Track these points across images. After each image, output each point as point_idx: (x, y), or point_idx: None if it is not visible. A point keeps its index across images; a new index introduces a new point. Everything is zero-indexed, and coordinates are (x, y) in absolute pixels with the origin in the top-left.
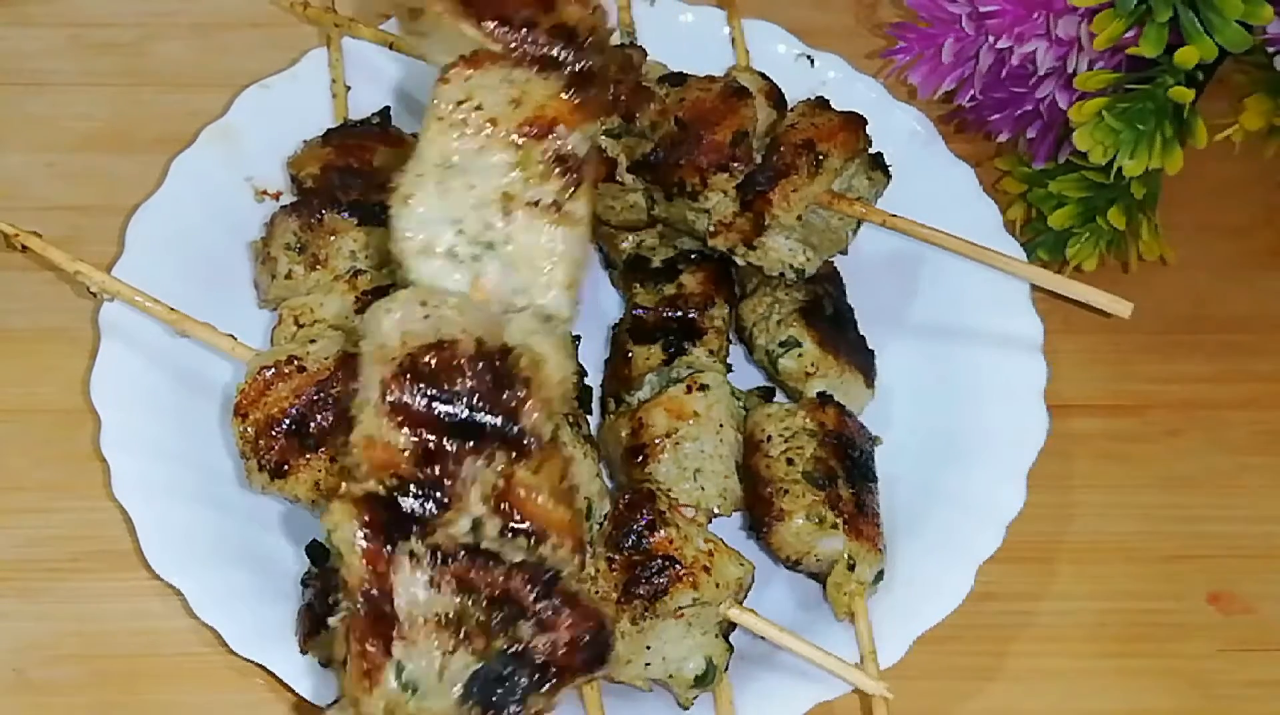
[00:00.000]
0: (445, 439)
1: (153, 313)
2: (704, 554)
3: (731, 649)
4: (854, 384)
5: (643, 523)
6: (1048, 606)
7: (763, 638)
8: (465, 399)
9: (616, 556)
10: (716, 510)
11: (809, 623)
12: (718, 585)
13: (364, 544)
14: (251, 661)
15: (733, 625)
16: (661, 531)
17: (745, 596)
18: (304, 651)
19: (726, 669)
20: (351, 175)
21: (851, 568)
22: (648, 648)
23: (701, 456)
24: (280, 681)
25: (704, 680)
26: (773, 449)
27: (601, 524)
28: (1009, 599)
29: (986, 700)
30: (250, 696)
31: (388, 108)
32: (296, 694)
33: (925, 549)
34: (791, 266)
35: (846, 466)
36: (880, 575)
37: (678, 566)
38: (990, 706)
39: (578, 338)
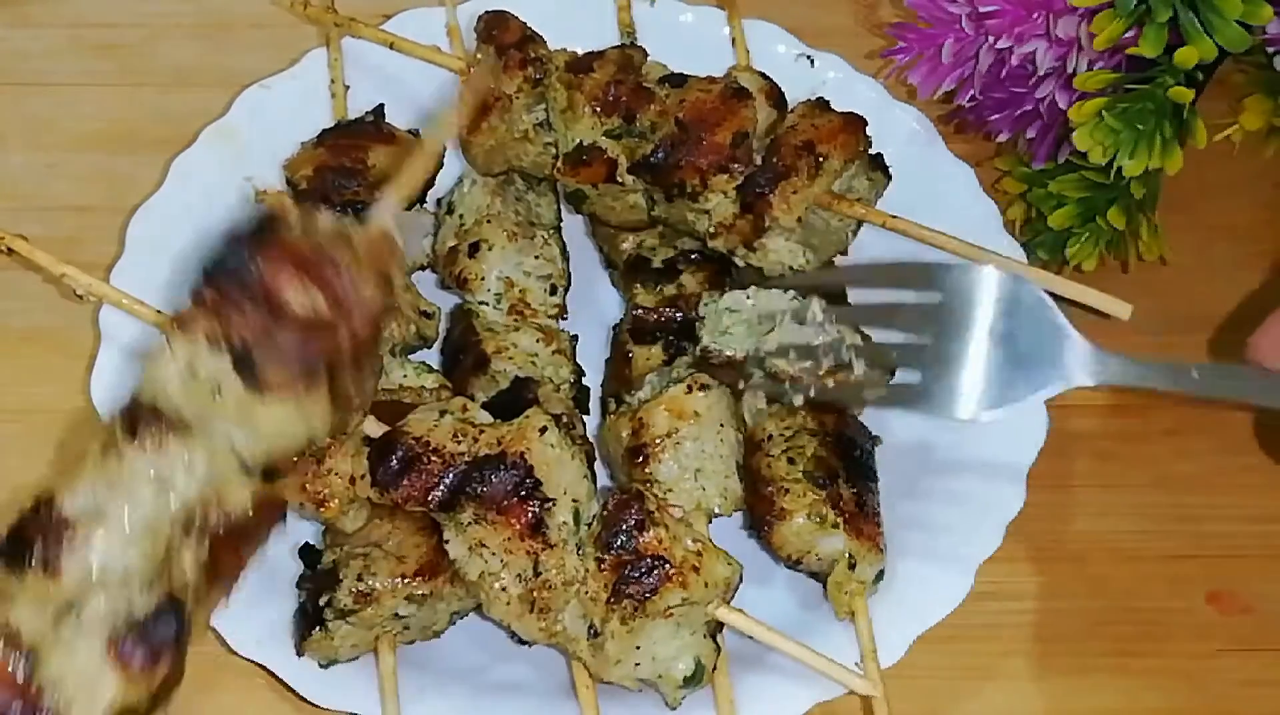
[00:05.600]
0: None
1: (139, 315)
2: (693, 554)
3: (719, 649)
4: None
5: (631, 523)
6: (1048, 606)
7: (751, 637)
8: None
9: (606, 557)
10: (717, 510)
11: (810, 622)
12: (706, 585)
13: None
14: (251, 661)
15: (720, 625)
16: (650, 531)
17: (733, 596)
18: (300, 654)
19: (715, 669)
20: (345, 175)
21: (852, 567)
22: (637, 648)
23: (702, 456)
24: (280, 681)
25: (692, 680)
26: (773, 448)
27: (589, 525)
28: (1009, 599)
29: (986, 700)
30: (250, 696)
31: (381, 105)
32: (298, 694)
33: (925, 549)
34: (791, 268)
35: (847, 466)
36: (881, 574)
37: (667, 566)
38: (990, 706)
39: (576, 337)
